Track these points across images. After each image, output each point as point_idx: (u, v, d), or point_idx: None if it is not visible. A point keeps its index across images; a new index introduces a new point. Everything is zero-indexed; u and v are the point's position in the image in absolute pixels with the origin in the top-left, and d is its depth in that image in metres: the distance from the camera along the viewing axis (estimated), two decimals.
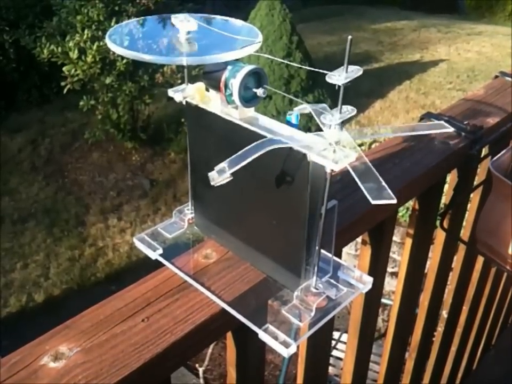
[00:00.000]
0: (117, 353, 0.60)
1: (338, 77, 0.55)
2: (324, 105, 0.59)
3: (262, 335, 0.63)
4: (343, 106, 0.57)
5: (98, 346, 0.61)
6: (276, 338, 0.62)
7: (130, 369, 0.58)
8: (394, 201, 0.55)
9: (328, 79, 0.56)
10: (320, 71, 0.58)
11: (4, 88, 5.85)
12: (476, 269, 1.47)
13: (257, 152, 0.56)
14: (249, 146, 0.56)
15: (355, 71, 0.55)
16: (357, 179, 0.57)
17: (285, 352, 0.61)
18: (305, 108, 0.61)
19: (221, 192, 0.73)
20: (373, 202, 0.55)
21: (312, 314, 0.64)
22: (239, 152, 0.55)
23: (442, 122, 0.57)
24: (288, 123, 0.63)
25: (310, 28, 7.97)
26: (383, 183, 0.57)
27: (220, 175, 0.53)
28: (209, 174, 0.53)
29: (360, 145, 4.25)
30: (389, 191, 0.56)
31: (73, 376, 0.57)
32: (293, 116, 0.63)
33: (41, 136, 5.72)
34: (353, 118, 5.13)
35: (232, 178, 0.54)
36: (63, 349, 0.60)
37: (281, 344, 0.61)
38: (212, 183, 0.53)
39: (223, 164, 0.54)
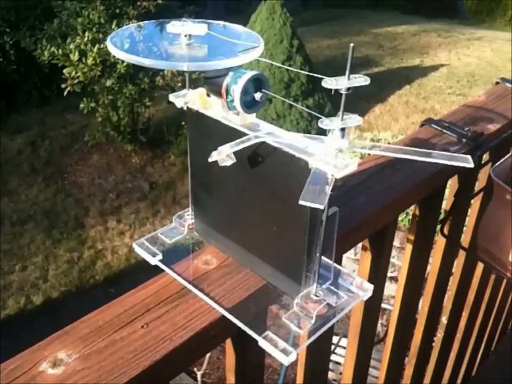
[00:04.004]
0: (116, 360, 0.60)
1: (338, 83, 0.55)
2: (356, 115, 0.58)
3: (262, 343, 0.62)
4: (349, 114, 0.56)
5: (97, 353, 0.61)
6: (275, 345, 0.62)
7: (129, 376, 0.58)
8: (321, 207, 0.54)
9: (325, 84, 0.55)
10: (321, 76, 0.58)
11: (4, 89, 5.86)
12: (476, 274, 1.46)
13: (254, 140, 0.59)
14: (245, 137, 0.60)
15: (358, 79, 0.55)
16: (310, 177, 0.56)
17: (285, 360, 0.60)
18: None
19: (222, 198, 0.73)
20: (300, 202, 0.54)
21: (313, 321, 0.64)
22: (238, 140, 0.59)
23: (461, 155, 0.56)
24: None
25: (311, 31, 7.99)
26: (327, 192, 0.56)
27: (219, 154, 0.58)
28: (212, 152, 0.58)
29: None
30: (325, 198, 0.55)
31: (72, 383, 0.57)
32: None
33: (41, 137, 5.72)
34: None
35: (235, 161, 0.58)
36: (61, 355, 0.60)
37: (281, 352, 0.61)
38: (210, 160, 0.58)
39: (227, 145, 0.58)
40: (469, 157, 0.55)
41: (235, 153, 0.60)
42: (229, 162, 0.61)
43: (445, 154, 0.55)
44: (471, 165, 0.54)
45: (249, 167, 0.65)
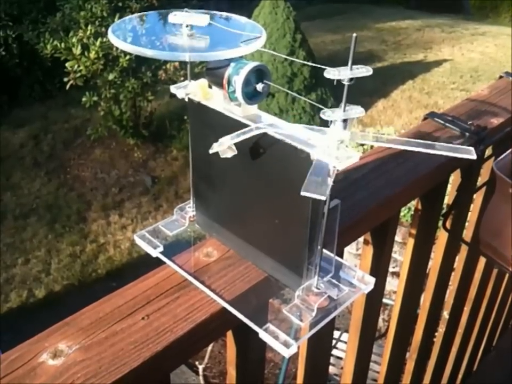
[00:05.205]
0: (116, 351, 0.60)
1: (340, 74, 0.54)
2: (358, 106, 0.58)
3: (263, 335, 0.62)
4: (351, 105, 0.56)
5: (98, 344, 0.60)
6: (276, 338, 0.62)
7: (130, 368, 0.58)
8: (323, 197, 0.54)
9: (327, 75, 0.55)
10: (324, 67, 0.57)
11: (6, 83, 5.85)
12: (478, 269, 1.46)
13: (255, 131, 0.59)
14: (246, 128, 0.59)
15: (360, 70, 0.55)
16: (311, 169, 0.56)
17: (286, 353, 0.60)
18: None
19: (223, 190, 0.73)
20: (302, 193, 0.53)
21: (314, 314, 0.64)
22: (239, 132, 0.59)
23: (464, 147, 0.56)
24: None
25: (314, 26, 7.96)
26: (329, 184, 0.56)
27: (220, 145, 0.58)
28: (213, 144, 0.58)
29: (362, 145, 4.24)
30: (327, 189, 0.55)
31: (72, 374, 0.57)
32: None
33: (44, 131, 5.73)
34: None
35: (236, 153, 0.58)
36: (62, 347, 0.60)
37: (282, 344, 0.61)
38: (211, 152, 0.58)
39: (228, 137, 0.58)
40: (472, 148, 0.55)
41: (236, 144, 0.60)
42: (230, 154, 0.61)
43: (448, 146, 0.55)
44: (474, 157, 0.53)
45: (251, 159, 0.65)
